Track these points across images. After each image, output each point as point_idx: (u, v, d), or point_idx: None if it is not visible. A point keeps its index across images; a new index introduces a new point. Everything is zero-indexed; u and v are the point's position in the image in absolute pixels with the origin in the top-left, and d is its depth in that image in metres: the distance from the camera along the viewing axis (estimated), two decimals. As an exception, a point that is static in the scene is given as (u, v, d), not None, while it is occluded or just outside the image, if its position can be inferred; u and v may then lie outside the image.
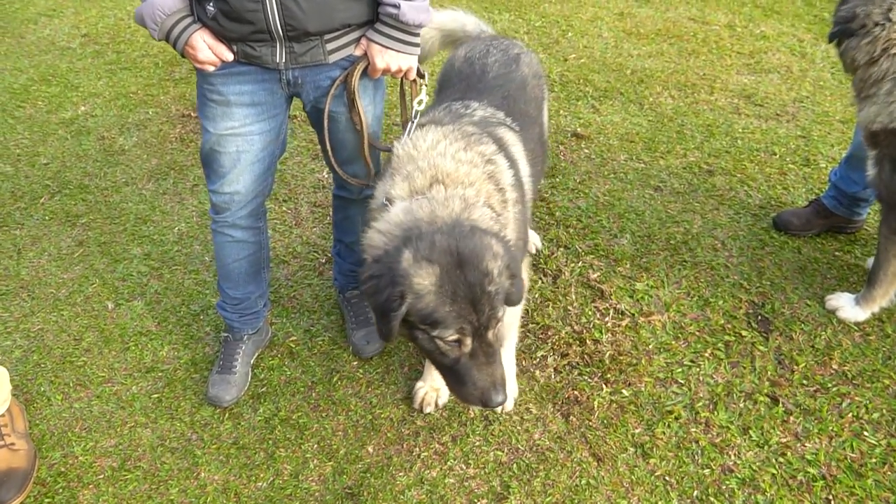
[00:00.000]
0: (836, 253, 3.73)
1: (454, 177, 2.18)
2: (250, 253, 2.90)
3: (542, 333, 3.19)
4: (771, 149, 4.52)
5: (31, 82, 5.55)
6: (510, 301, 2.05)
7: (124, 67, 5.75)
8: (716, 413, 2.88)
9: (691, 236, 3.74)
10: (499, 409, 2.77)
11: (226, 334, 3.09)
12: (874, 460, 2.73)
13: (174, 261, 3.72)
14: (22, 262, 3.74)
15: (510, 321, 2.76)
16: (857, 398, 2.97)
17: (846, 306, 3.32)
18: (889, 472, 2.69)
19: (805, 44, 6.12)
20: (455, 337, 2.00)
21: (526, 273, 2.51)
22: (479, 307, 1.97)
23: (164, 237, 3.88)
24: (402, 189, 2.18)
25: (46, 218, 4.06)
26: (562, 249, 3.60)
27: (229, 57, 2.37)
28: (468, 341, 2.02)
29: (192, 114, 4.96)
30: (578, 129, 4.58)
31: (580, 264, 3.53)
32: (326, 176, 4.25)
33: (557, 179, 4.11)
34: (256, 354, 3.15)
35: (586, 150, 4.38)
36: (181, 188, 4.27)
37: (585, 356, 3.09)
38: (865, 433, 2.83)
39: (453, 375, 2.10)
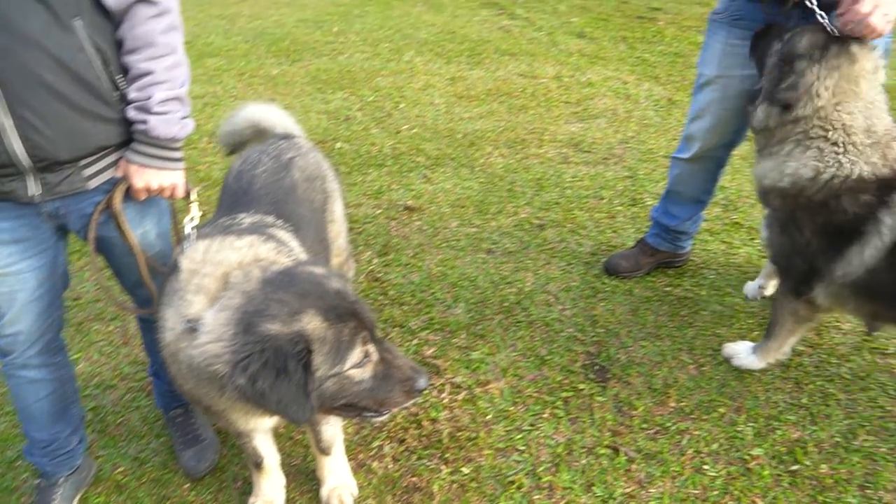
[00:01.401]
0: (666, 289, 3.81)
1: (243, 261, 2.12)
2: (51, 391, 2.72)
3: (377, 422, 3.11)
4: (599, 193, 4.63)
5: None
6: None
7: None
8: (558, 475, 2.85)
9: (524, 295, 3.76)
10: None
11: (39, 480, 2.88)
12: (716, 492, 2.75)
13: (-9, 404, 3.48)
14: None
15: (336, 421, 2.68)
16: (696, 432, 3.00)
17: (742, 354, 3.34)
18: (730, 502, 2.70)
19: (629, 85, 6.37)
20: (362, 352, 1.95)
21: None
22: (360, 315, 1.96)
23: (-19, 380, 3.64)
24: (201, 303, 2.07)
25: None
26: (396, 329, 3.55)
27: (-23, 196, 2.24)
28: (372, 348, 1.99)
29: None
30: (410, 202, 4.58)
31: (415, 342, 3.48)
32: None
33: (391, 256, 4.07)
34: (79, 496, 2.95)
35: (418, 222, 4.38)
36: None
37: (423, 438, 3.01)
38: (706, 466, 2.86)
39: (375, 392, 2.02)
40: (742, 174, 4.93)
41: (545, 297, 3.74)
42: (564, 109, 5.90)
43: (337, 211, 3.01)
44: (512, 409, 3.13)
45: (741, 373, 3.30)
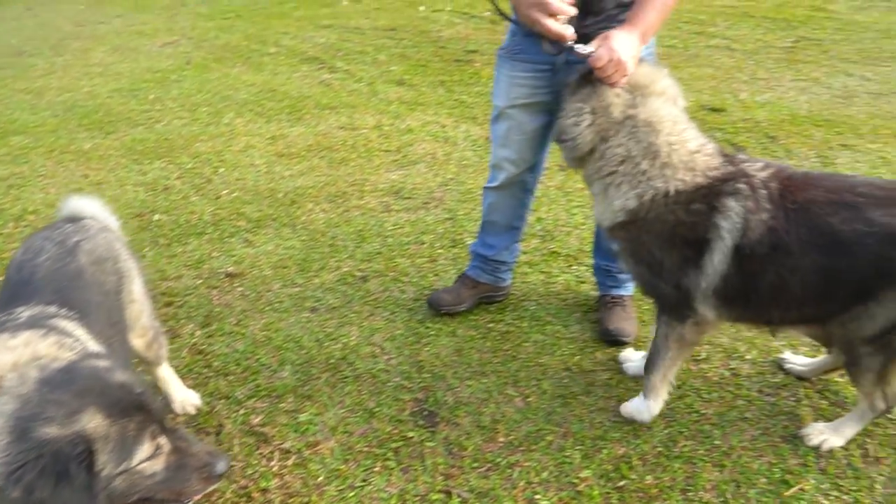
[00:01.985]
0: (489, 325, 3.92)
1: (19, 361, 2.01)
2: None
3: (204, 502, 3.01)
4: (420, 238, 4.73)
5: None
6: None
7: None
8: (393, 528, 2.85)
9: (350, 349, 3.76)
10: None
11: None
12: (548, 523, 2.83)
13: None
14: None
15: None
16: (526, 463, 3.07)
17: (641, 408, 3.29)
18: (562, 530, 2.79)
19: (447, 128, 6.56)
20: (152, 445, 1.91)
21: None
22: (147, 407, 1.92)
23: None
24: None
25: None
26: (222, 401, 3.46)
27: None
28: (163, 440, 1.95)
29: None
30: (231, 268, 4.51)
31: (242, 412, 3.40)
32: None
33: (214, 327, 3.98)
34: None
35: (240, 288, 4.31)
36: None
37: (254, 512, 2.94)
38: (538, 496, 2.93)
39: (171, 483, 1.98)
40: (558, 204, 5.16)
41: (371, 348, 3.76)
42: (385, 158, 6.00)
43: (136, 290, 2.92)
44: (343, 467, 3.10)
45: (566, 399, 3.42)
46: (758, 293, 2.89)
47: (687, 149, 2.88)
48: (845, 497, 2.88)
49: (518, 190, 3.81)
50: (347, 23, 10.66)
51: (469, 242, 4.55)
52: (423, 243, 4.69)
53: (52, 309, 2.37)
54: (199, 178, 5.83)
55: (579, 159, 3.08)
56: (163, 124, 7.17)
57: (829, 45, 9.17)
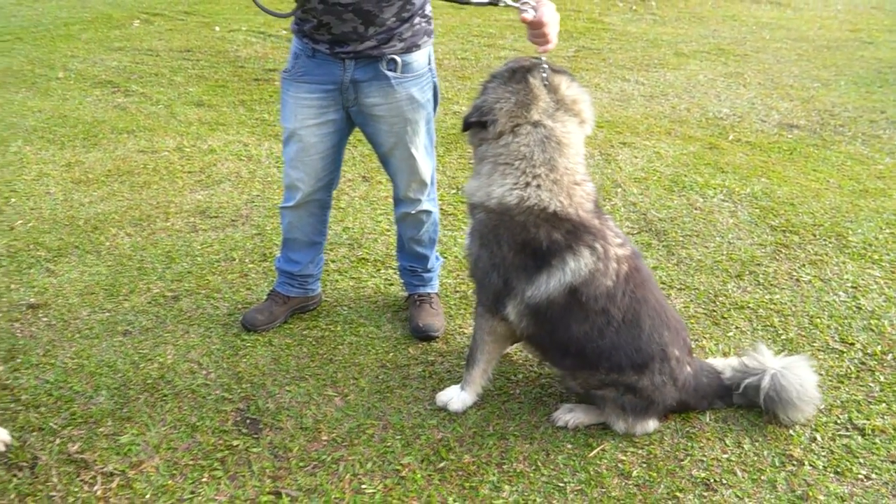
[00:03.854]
0: (304, 332, 4.06)
1: None
2: None
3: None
4: (230, 255, 4.78)
5: None
6: None
7: None
8: (223, 533, 2.92)
9: (167, 368, 3.78)
10: None
11: None
12: (375, 508, 3.00)
13: None
14: None
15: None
16: (350, 458, 3.24)
17: (454, 397, 3.52)
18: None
19: (250, 147, 6.62)
20: None
21: None
22: None
23: None
24: None
25: None
26: (35, 434, 3.37)
27: None
28: None
29: None
30: (32, 299, 4.35)
31: (58, 441, 3.33)
32: None
33: (19, 360, 3.84)
34: None
35: (45, 319, 4.19)
36: None
37: (78, 539, 2.92)
38: (364, 485, 3.10)
39: None
40: (363, 213, 5.38)
41: (188, 365, 3.80)
42: (188, 179, 5.97)
43: None
44: (170, 482, 3.13)
45: (384, 394, 3.62)
46: (568, 334, 3.25)
47: (574, 178, 3.18)
48: (640, 451, 3.28)
49: (315, 207, 3.96)
50: (140, 45, 10.38)
51: (278, 255, 4.68)
52: (233, 259, 4.74)
53: None
54: (-13, 211, 5.54)
55: (482, 138, 3.24)
56: (-60, 157, 6.72)
57: (606, 54, 10.06)
